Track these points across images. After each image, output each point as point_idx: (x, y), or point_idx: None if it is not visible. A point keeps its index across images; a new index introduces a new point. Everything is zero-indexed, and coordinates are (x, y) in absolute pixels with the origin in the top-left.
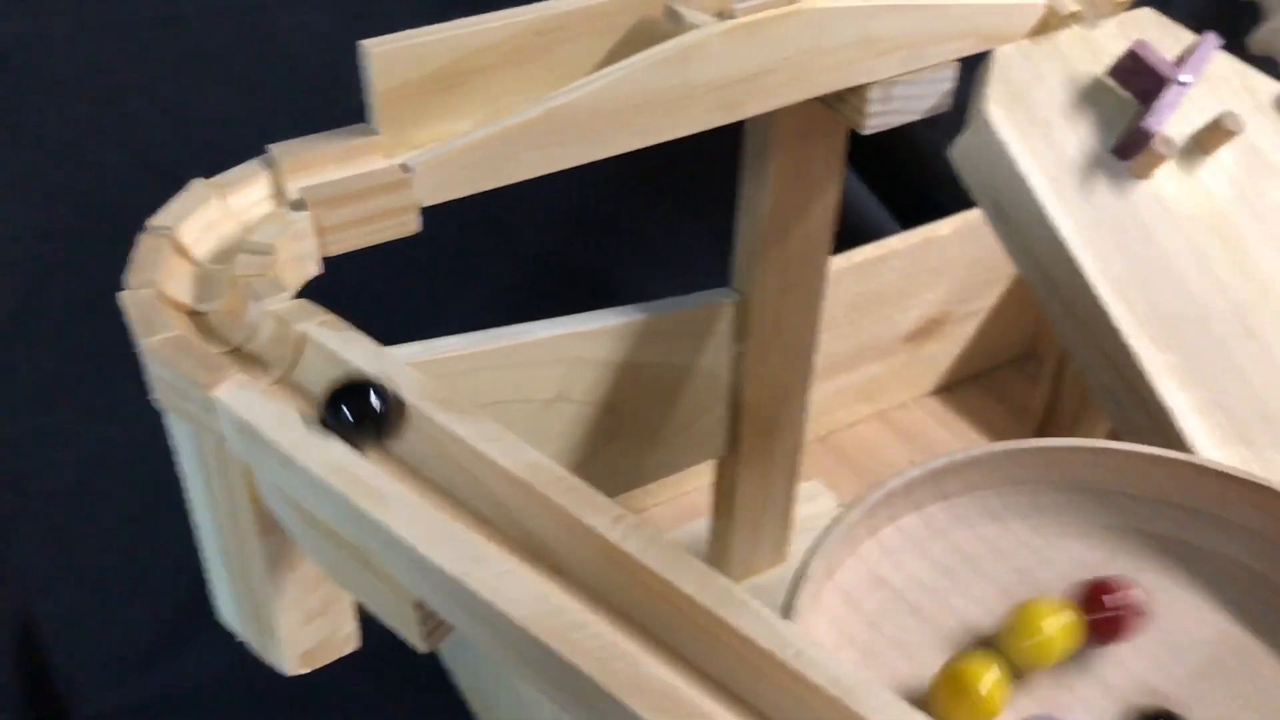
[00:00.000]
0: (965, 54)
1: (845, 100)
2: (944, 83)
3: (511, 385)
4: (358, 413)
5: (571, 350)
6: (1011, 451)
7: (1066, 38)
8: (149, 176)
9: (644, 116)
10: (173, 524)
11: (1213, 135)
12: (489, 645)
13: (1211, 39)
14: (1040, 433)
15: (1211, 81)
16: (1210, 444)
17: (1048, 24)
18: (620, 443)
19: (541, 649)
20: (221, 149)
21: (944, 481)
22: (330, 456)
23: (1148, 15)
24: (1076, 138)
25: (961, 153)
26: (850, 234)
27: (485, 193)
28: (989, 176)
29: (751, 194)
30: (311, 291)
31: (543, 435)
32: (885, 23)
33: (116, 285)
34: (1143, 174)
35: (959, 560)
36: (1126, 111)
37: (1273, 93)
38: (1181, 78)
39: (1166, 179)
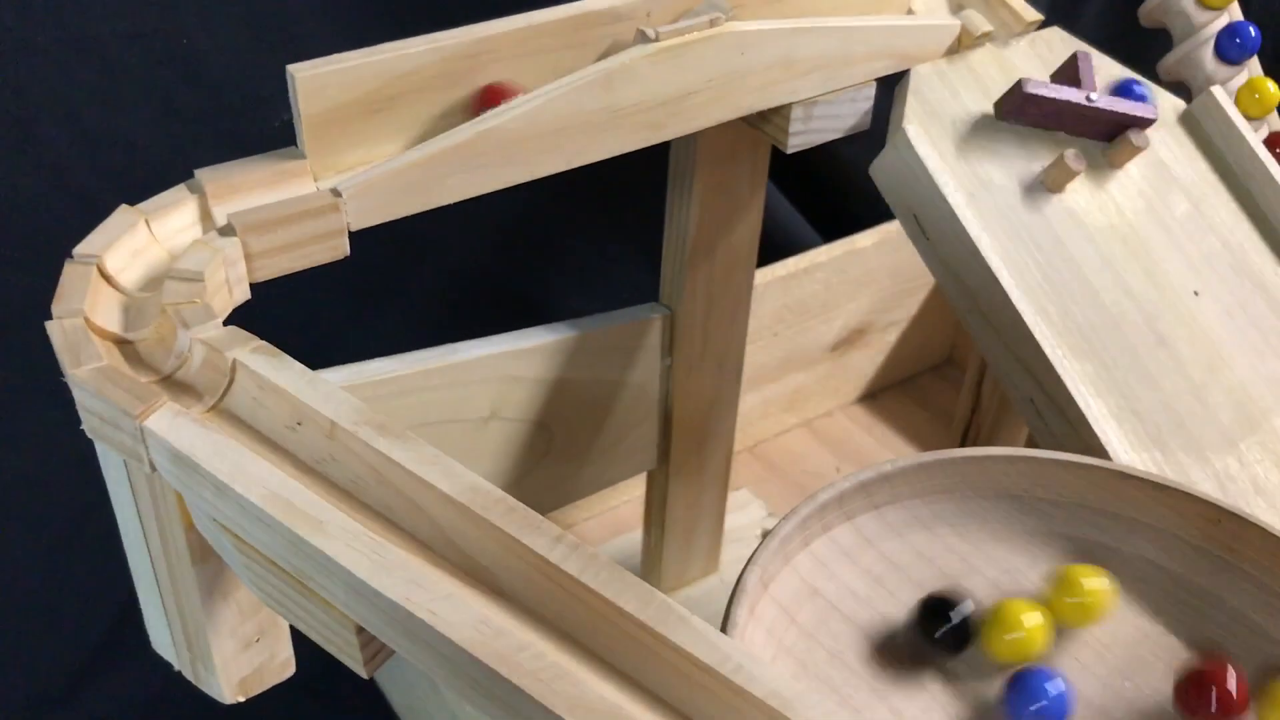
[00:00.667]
0: (883, 74)
1: (769, 120)
2: (863, 102)
3: (444, 406)
4: None
5: (504, 369)
6: (938, 462)
7: (980, 56)
8: (64, 200)
9: (570, 139)
10: (92, 553)
11: (1121, 151)
12: (432, 669)
13: (1086, 56)
14: (963, 439)
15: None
16: (1125, 448)
17: (961, 44)
18: (553, 459)
19: (484, 671)
20: (139, 172)
21: (873, 492)
22: (267, 484)
23: (1057, 34)
24: (990, 153)
25: (881, 169)
26: (774, 247)
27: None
28: (908, 192)
29: (677, 211)
30: (234, 313)
31: (476, 455)
32: (806, 44)
33: (31, 310)
34: (1056, 188)
35: (889, 569)
36: (1038, 128)
37: (1176, 109)
38: (1091, 96)
39: (1078, 193)
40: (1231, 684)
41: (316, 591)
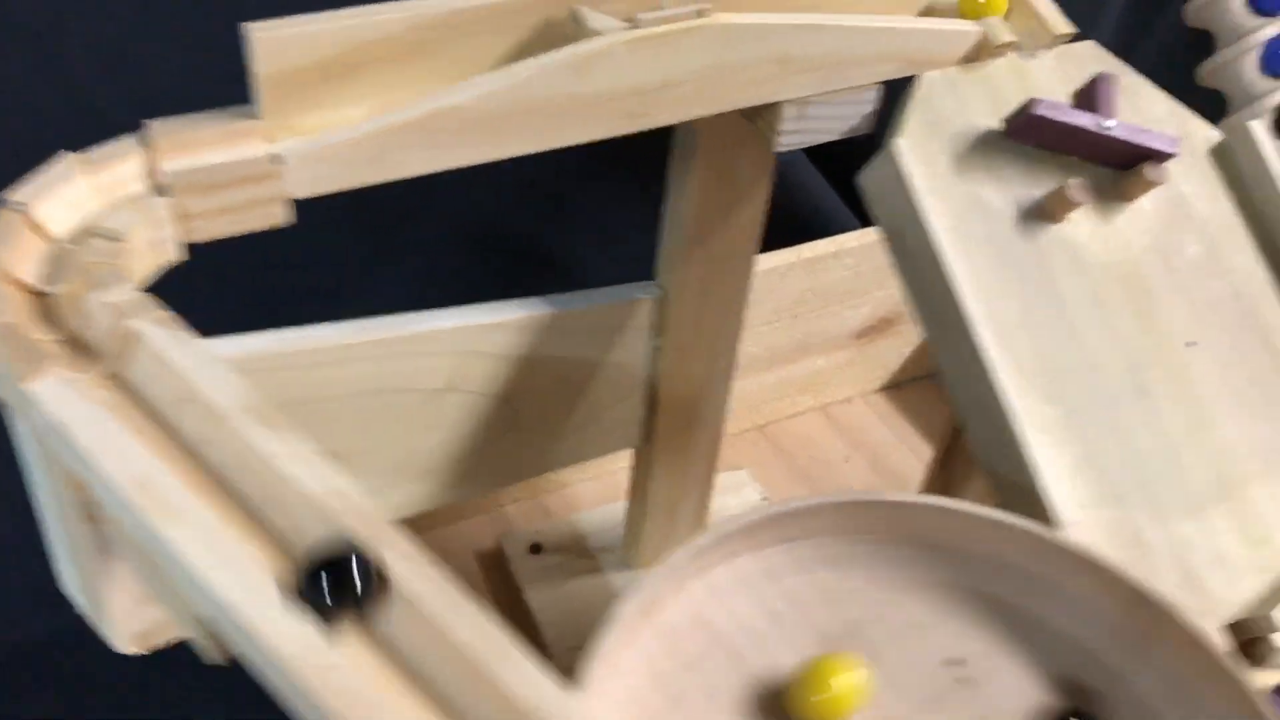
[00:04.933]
0: (889, 78)
1: (760, 115)
2: (865, 105)
3: (396, 376)
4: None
5: (464, 344)
6: (858, 504)
7: (998, 68)
8: (88, 124)
9: (539, 121)
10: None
11: (1134, 184)
12: (257, 672)
13: (1108, 79)
14: (945, 453)
15: (1149, 125)
16: (1076, 503)
17: (980, 53)
18: (520, 433)
19: (300, 688)
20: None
21: (787, 525)
22: (133, 463)
23: (1090, 50)
24: (991, 173)
25: (868, 179)
26: (805, 229)
27: None
28: (891, 208)
29: (676, 195)
30: (242, 258)
31: (430, 425)
32: (801, 42)
33: None
34: (1055, 217)
35: (789, 605)
36: (1048, 150)
37: (1209, 140)
38: (1106, 124)
39: (1080, 224)
40: None
41: (167, 577)
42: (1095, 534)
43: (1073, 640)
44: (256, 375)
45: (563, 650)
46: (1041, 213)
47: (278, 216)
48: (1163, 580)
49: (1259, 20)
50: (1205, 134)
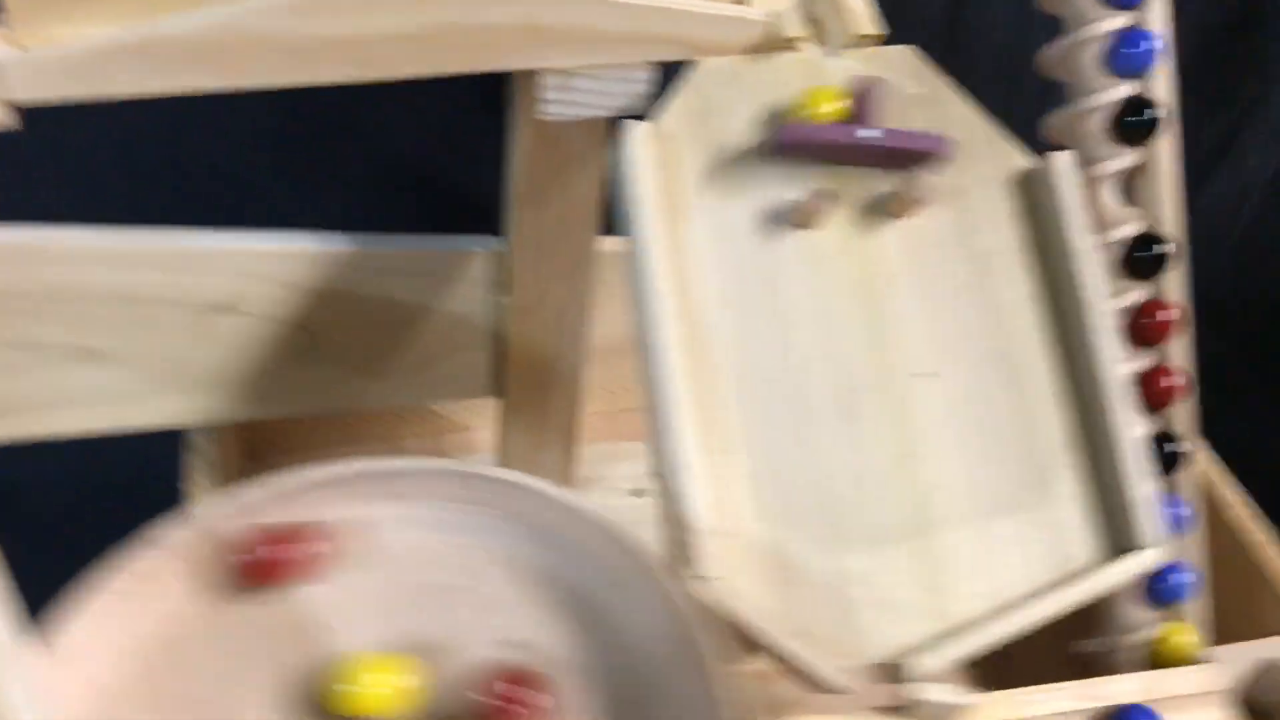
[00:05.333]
0: (665, 59)
1: (530, 80)
2: (636, 84)
3: (163, 287)
4: None
5: (245, 267)
6: (448, 472)
7: (792, 63)
8: None
9: (259, 58)
10: None
11: (897, 202)
12: None
13: (872, 87)
14: None
15: (966, 142)
16: (735, 514)
17: (768, 45)
18: (324, 364)
19: None
20: None
21: (388, 483)
22: None
23: (900, 55)
24: (748, 172)
25: (614, 159)
26: None
27: (359, 91)
28: (620, 188)
29: (511, 149)
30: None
31: (203, 340)
32: (553, 11)
33: None
34: (802, 224)
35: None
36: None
37: (1014, 166)
38: (864, 134)
39: (833, 236)
40: None
41: None
42: (737, 549)
43: (634, 643)
44: (17, 265)
45: None
46: (793, 218)
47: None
48: (816, 611)
49: (1108, 10)
50: (1012, 160)
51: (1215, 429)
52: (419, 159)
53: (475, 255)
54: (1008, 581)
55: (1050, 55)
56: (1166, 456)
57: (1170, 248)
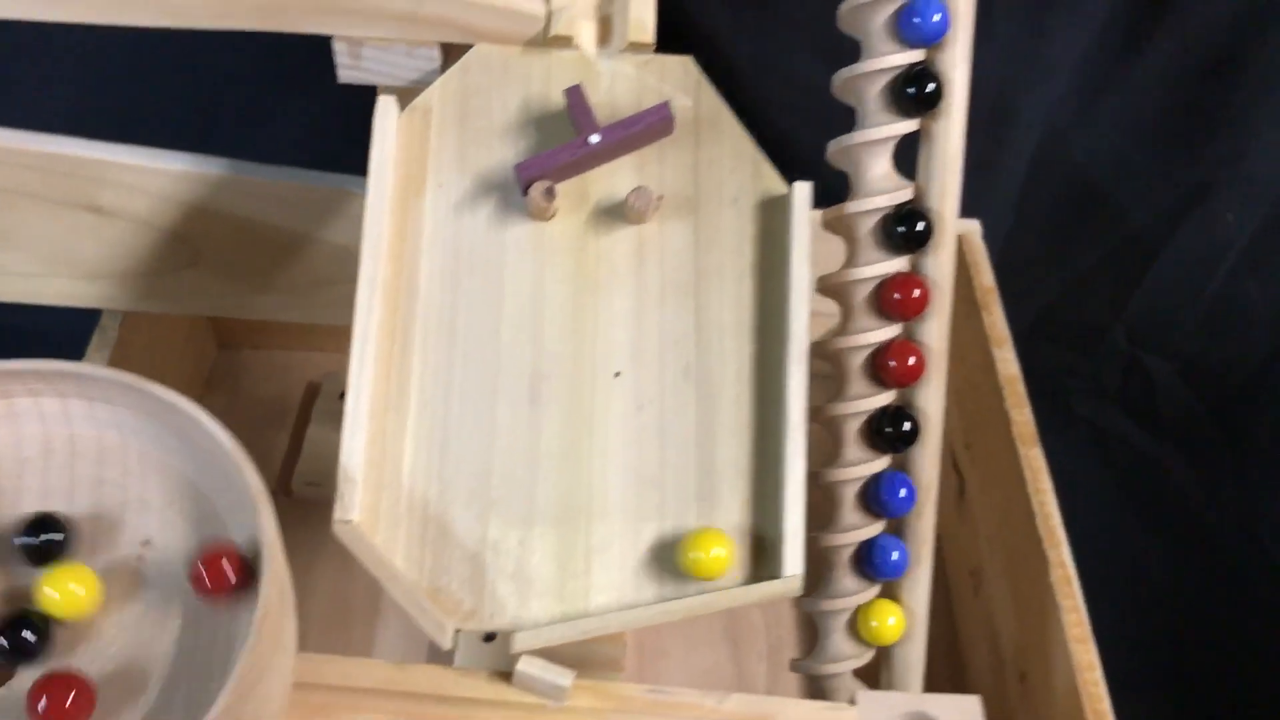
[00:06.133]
0: (448, 40)
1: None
2: (423, 60)
3: (34, 184)
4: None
5: (103, 174)
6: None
7: (567, 60)
8: None
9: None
10: None
11: (630, 207)
12: None
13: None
14: None
15: (724, 160)
16: (398, 471)
17: (547, 40)
18: (207, 273)
19: None
20: None
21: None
22: None
23: (678, 64)
24: (497, 158)
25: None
26: None
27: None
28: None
29: None
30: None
31: (81, 234)
32: None
33: None
34: (538, 215)
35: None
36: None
37: (768, 190)
38: (592, 138)
39: (562, 229)
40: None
41: None
42: (396, 501)
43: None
44: None
45: (301, 485)
46: (529, 208)
47: None
48: (450, 570)
49: None
50: (766, 183)
51: (1182, 490)
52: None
53: (355, 196)
54: (643, 582)
55: (846, 11)
56: (902, 433)
57: (937, 224)
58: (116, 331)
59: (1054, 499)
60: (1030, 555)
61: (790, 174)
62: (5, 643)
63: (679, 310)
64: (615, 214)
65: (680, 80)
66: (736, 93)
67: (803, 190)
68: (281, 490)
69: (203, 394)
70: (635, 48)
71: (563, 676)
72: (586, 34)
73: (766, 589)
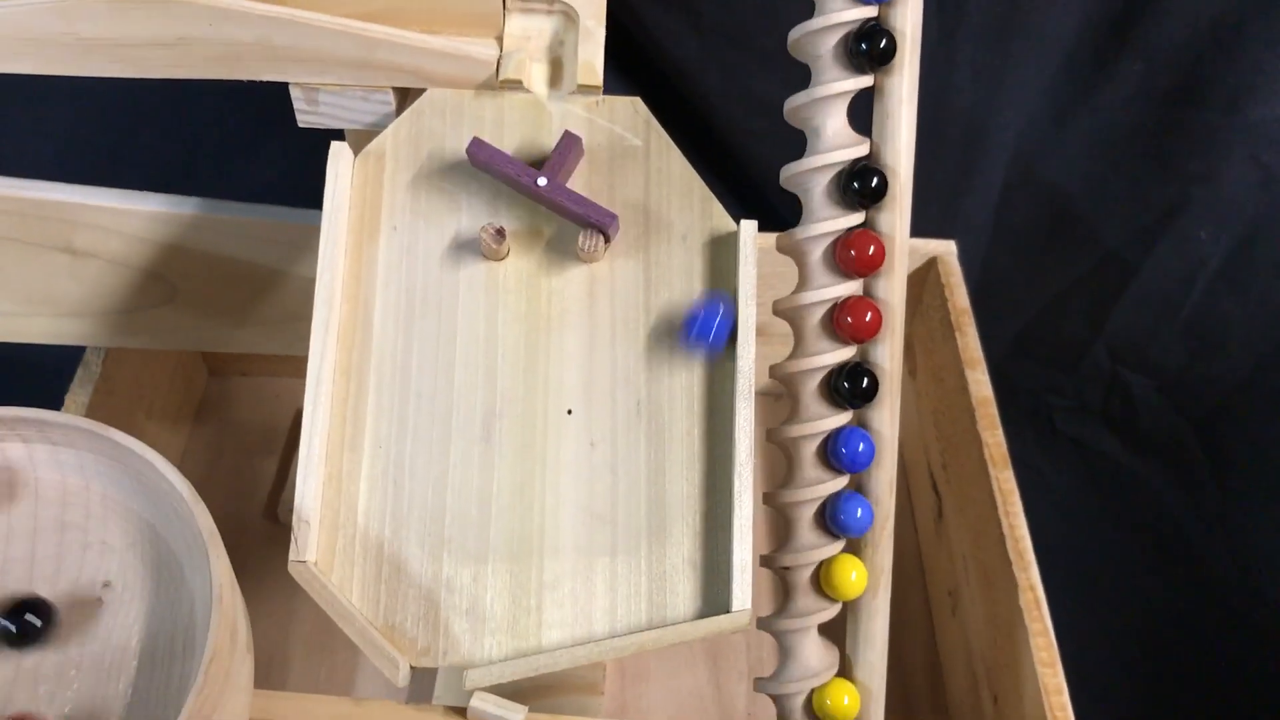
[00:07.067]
0: (403, 85)
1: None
2: (383, 105)
3: (19, 229)
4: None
5: (78, 217)
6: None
7: (518, 103)
8: None
9: (34, 51)
10: None
11: (580, 248)
12: None
13: (572, 141)
14: None
15: (673, 198)
16: (350, 513)
17: (499, 84)
18: (184, 308)
19: None
20: None
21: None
22: None
23: (626, 106)
24: (448, 200)
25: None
26: None
27: None
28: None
29: None
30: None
31: (57, 275)
32: (284, 34)
33: None
34: (490, 255)
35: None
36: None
37: (716, 230)
38: (540, 182)
39: (515, 270)
40: None
41: None
42: (351, 540)
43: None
44: None
45: (288, 512)
46: (482, 248)
47: None
48: (404, 608)
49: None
50: (714, 221)
51: (1164, 504)
52: None
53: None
54: (595, 618)
55: (794, 38)
56: (862, 389)
57: (891, 179)
58: (100, 366)
59: (1024, 521)
60: (1001, 577)
61: (761, 199)
62: None
63: (630, 348)
64: (567, 253)
65: (629, 120)
66: (707, 120)
67: (749, 228)
68: (269, 516)
69: (193, 422)
70: (585, 89)
71: (515, 713)
72: (538, 77)
73: (714, 624)
